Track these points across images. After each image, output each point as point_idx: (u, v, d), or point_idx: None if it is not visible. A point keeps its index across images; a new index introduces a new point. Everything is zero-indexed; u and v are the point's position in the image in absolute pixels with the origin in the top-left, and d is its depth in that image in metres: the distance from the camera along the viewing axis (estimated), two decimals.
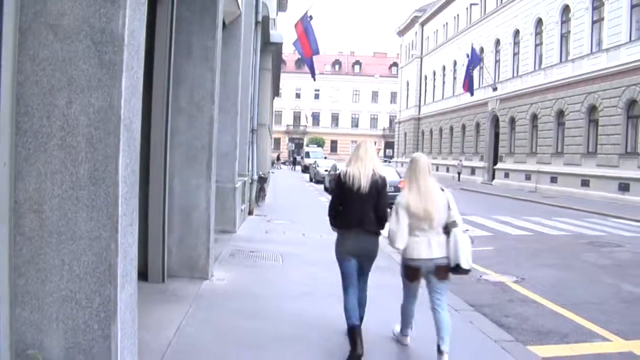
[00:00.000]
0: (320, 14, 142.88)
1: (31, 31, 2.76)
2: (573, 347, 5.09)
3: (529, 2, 31.08)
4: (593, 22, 25.56)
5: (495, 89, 34.78)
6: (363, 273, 4.63)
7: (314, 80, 20.44)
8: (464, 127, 41.15)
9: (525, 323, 5.79)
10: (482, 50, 37.00)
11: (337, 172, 4.67)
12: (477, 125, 38.49)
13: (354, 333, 4.33)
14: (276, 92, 31.24)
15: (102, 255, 2.80)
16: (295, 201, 19.17)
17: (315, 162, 36.07)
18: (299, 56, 19.94)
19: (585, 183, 25.06)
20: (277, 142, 67.60)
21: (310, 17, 16.93)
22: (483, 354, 4.67)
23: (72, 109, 2.79)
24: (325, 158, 44.83)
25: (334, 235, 4.68)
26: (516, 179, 31.66)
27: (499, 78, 35.21)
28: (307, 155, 49.60)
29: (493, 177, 35.33)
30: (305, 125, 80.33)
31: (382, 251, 7.32)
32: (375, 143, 65.69)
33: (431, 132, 49.37)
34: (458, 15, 43.26)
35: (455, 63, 43.27)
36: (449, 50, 44.46)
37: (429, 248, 4.24)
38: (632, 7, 22.66)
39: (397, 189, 12.08)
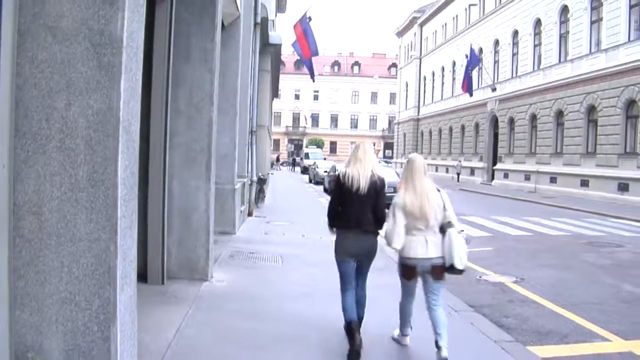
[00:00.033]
0: (319, 15, 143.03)
1: (30, 33, 2.76)
2: (573, 347, 5.09)
3: (528, 3, 31.11)
4: (592, 23, 25.58)
5: (494, 90, 34.82)
6: (362, 273, 4.68)
7: (313, 81, 20.45)
8: (463, 127, 41.17)
9: (525, 323, 5.79)
10: (481, 50, 37.03)
11: (337, 173, 4.72)
12: (476, 125, 38.52)
13: (351, 328, 4.38)
14: (275, 93, 31.25)
15: (102, 257, 2.79)
16: (294, 202, 19.17)
17: (314, 163, 36.12)
18: (298, 57, 19.93)
19: (584, 183, 25.08)
20: (276, 143, 67.62)
21: (309, 18, 16.93)
22: (483, 354, 4.67)
23: (71, 111, 2.79)
24: (325, 159, 44.87)
25: (333, 236, 4.71)
26: (515, 179, 31.67)
27: (498, 78, 35.24)
28: (307, 156, 49.63)
29: (492, 178, 35.34)
30: (305, 127, 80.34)
31: (381, 252, 7.33)
32: (374, 144, 65.42)
33: (430, 132, 49.39)
34: (457, 16, 43.29)
35: (454, 64, 43.30)
36: (448, 51, 44.48)
37: (426, 247, 4.30)
38: (631, 7, 22.69)
39: (397, 190, 12.07)
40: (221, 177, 9.25)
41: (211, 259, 6.63)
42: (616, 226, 15.06)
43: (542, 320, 5.90)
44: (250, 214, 13.20)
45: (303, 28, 16.70)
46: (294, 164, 58.66)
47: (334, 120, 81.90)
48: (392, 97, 74.38)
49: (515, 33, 32.97)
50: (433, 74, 49.32)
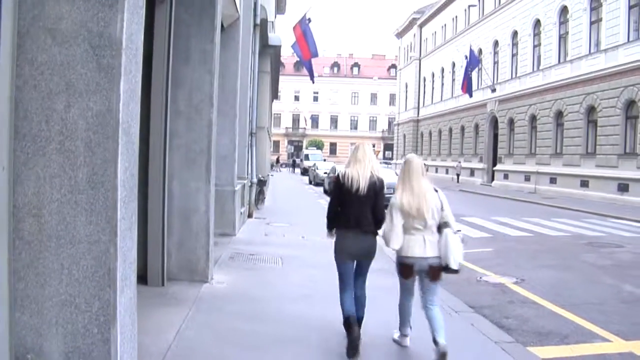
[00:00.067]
0: (319, 16, 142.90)
1: (29, 35, 2.77)
2: (573, 347, 5.08)
3: (527, 4, 31.14)
4: (591, 23, 25.60)
5: (494, 90, 34.83)
6: (361, 274, 4.72)
7: (313, 82, 20.45)
8: (462, 128, 41.18)
9: (526, 324, 5.78)
10: (480, 51, 37.04)
11: (336, 173, 4.76)
12: (476, 126, 38.52)
13: (349, 321, 4.45)
14: (275, 94, 31.27)
15: (102, 259, 2.79)
16: (294, 204, 19.17)
17: (314, 164, 36.14)
18: (298, 59, 19.94)
19: (584, 184, 25.08)
20: (276, 144, 67.67)
21: (309, 20, 16.93)
22: (483, 355, 4.67)
23: (71, 113, 2.79)
24: (325, 160, 44.87)
25: (331, 239, 4.75)
26: (515, 180, 31.67)
27: (497, 79, 35.26)
28: (306, 157, 49.63)
29: (492, 179, 35.35)
30: (304, 128, 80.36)
31: (381, 252, 7.33)
32: (374, 145, 65.39)
33: (430, 133, 49.40)
34: (456, 16, 43.32)
35: (453, 65, 43.32)
36: (448, 51, 44.51)
37: (423, 247, 4.35)
38: (630, 7, 22.70)
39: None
40: (221, 178, 9.25)
41: (211, 260, 6.63)
42: (616, 227, 15.05)
43: (542, 321, 5.90)
44: (250, 216, 13.20)
45: (302, 29, 16.70)
46: (294, 165, 58.70)
47: (334, 121, 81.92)
48: (392, 98, 74.40)
49: (515, 34, 32.99)
50: (433, 75, 49.35)
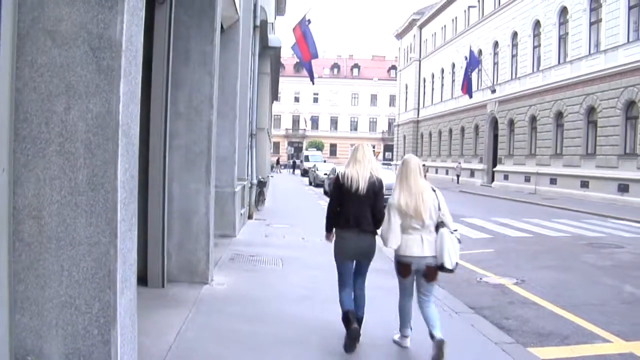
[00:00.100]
0: (319, 17, 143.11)
1: (29, 37, 2.77)
2: (573, 348, 5.08)
3: (527, 4, 31.15)
4: (591, 24, 25.60)
5: (493, 91, 34.84)
6: (361, 273, 4.77)
7: (313, 84, 20.46)
8: (463, 129, 41.18)
9: (526, 325, 5.78)
10: (480, 52, 37.05)
11: (336, 173, 4.82)
12: (476, 127, 38.53)
13: (348, 316, 4.54)
14: (275, 96, 31.28)
15: (102, 261, 2.80)
16: (294, 205, 19.17)
17: (314, 165, 36.13)
18: (298, 60, 19.94)
19: (584, 184, 25.08)
20: (276, 146, 67.66)
21: (309, 21, 16.93)
22: (483, 356, 4.67)
23: (71, 115, 2.79)
24: (325, 162, 44.85)
25: (330, 241, 4.82)
26: (515, 180, 31.67)
27: (497, 80, 35.26)
28: (307, 159, 49.63)
29: (492, 179, 35.34)
30: (304, 129, 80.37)
31: (381, 253, 7.34)
32: (374, 146, 65.36)
33: (430, 134, 49.41)
34: (456, 17, 43.33)
35: (453, 65, 43.33)
36: (448, 52, 44.52)
37: (421, 246, 4.40)
38: (630, 8, 22.71)
39: None
40: (221, 180, 9.26)
41: (211, 262, 6.63)
42: (616, 227, 15.05)
43: (542, 322, 5.89)
44: (250, 217, 13.20)
45: (302, 31, 16.71)
46: (294, 166, 58.72)
47: (334, 122, 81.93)
48: (392, 99, 74.42)
49: (515, 34, 33.00)
50: (432, 76, 49.36)
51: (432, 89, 49.60)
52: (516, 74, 32.85)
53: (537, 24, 30.29)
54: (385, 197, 4.62)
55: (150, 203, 5.94)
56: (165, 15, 5.90)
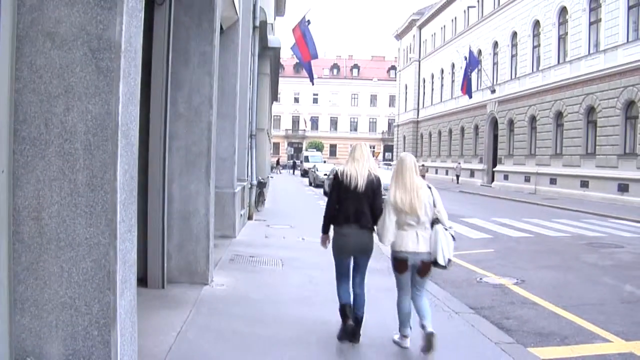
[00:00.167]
0: (318, 18, 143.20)
1: (28, 39, 2.77)
2: (573, 348, 5.08)
3: (526, 4, 31.16)
4: (590, 24, 25.62)
5: (493, 91, 34.85)
6: (360, 271, 4.83)
7: (313, 84, 20.49)
8: (462, 129, 41.19)
9: (526, 325, 5.78)
10: (480, 52, 37.07)
11: (335, 171, 4.91)
12: (476, 127, 38.54)
13: (345, 310, 4.68)
14: (275, 96, 31.29)
15: (101, 262, 2.80)
16: (294, 205, 19.17)
17: (314, 166, 36.14)
18: (297, 61, 19.95)
19: (584, 184, 25.08)
20: (276, 146, 67.65)
21: (308, 22, 16.94)
22: (484, 356, 4.66)
23: (70, 116, 2.79)
24: (325, 162, 44.86)
25: (326, 244, 4.92)
26: (515, 180, 31.68)
27: (497, 80, 35.27)
28: (306, 159, 49.65)
29: (492, 180, 35.35)
30: (304, 130, 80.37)
31: (382, 254, 7.34)
32: (374, 147, 65.31)
33: (430, 135, 49.42)
34: (456, 18, 43.35)
35: (453, 66, 43.33)
36: (447, 53, 44.53)
37: (416, 242, 4.49)
38: (629, 8, 22.72)
39: None
40: (221, 180, 9.26)
41: (211, 262, 6.63)
42: (616, 227, 15.05)
43: (542, 322, 5.89)
44: (250, 218, 13.20)
45: (302, 31, 16.71)
46: (293, 167, 58.74)
47: (334, 123, 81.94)
48: (392, 99, 74.45)
49: (514, 35, 33.01)
50: (432, 76, 49.37)
51: (432, 89, 49.61)
52: (516, 74, 32.86)
53: (537, 24, 30.30)
54: (383, 197, 4.67)
55: (150, 204, 5.94)
56: (165, 16, 5.90)
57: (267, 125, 21.03)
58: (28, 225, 2.79)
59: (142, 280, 5.78)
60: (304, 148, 73.11)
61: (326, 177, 25.84)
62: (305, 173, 43.24)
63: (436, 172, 45.00)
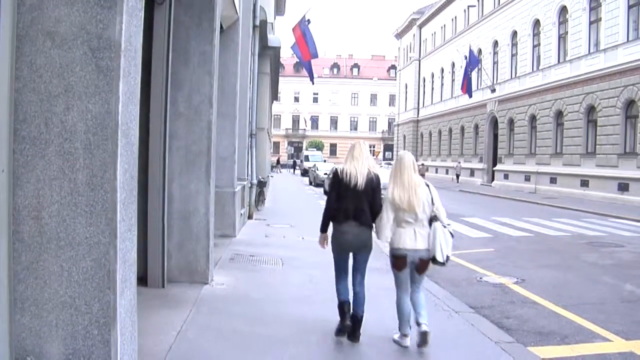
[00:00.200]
0: (318, 17, 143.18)
1: (28, 38, 2.77)
2: (573, 347, 5.08)
3: (527, 4, 31.15)
4: (590, 23, 25.60)
5: (493, 91, 34.84)
6: (359, 269, 4.85)
7: (313, 83, 20.48)
8: (462, 129, 41.18)
9: (526, 324, 5.78)
10: (480, 52, 37.06)
11: (334, 169, 4.94)
12: (476, 126, 38.53)
13: (343, 307, 4.73)
14: (275, 96, 31.28)
15: (101, 261, 2.80)
16: (294, 205, 19.17)
17: (314, 165, 36.15)
18: (298, 60, 19.94)
19: (584, 183, 25.08)
20: (276, 146, 67.66)
21: (308, 21, 16.94)
22: (484, 355, 4.66)
23: (70, 116, 2.79)
24: (325, 161, 44.87)
25: (324, 245, 4.95)
26: (515, 180, 31.67)
27: (497, 79, 35.26)
28: (307, 158, 49.64)
29: (492, 179, 35.35)
30: (304, 129, 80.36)
31: (382, 253, 7.34)
32: (374, 146, 65.33)
33: (430, 134, 49.41)
34: (456, 17, 43.34)
35: (453, 65, 43.33)
36: (447, 52, 44.53)
37: (414, 239, 4.55)
38: (629, 7, 22.71)
39: None
40: (221, 180, 9.26)
41: (211, 262, 6.63)
42: (616, 226, 15.05)
43: (542, 321, 5.89)
44: (250, 217, 13.21)
45: (302, 30, 16.71)
46: (294, 166, 58.75)
47: (334, 122, 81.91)
48: (392, 98, 74.42)
49: (514, 34, 33.00)
50: (432, 76, 49.36)
51: (432, 88, 49.60)
52: (516, 73, 32.85)
53: (537, 23, 30.29)
54: (382, 196, 4.69)
55: (150, 203, 5.94)
56: (165, 16, 5.90)
57: (267, 124, 21.03)
58: (28, 225, 2.79)
59: (142, 280, 5.78)
60: (304, 147, 73.13)
61: (326, 176, 25.84)
62: (305, 172, 43.24)
63: (436, 172, 45.00)
